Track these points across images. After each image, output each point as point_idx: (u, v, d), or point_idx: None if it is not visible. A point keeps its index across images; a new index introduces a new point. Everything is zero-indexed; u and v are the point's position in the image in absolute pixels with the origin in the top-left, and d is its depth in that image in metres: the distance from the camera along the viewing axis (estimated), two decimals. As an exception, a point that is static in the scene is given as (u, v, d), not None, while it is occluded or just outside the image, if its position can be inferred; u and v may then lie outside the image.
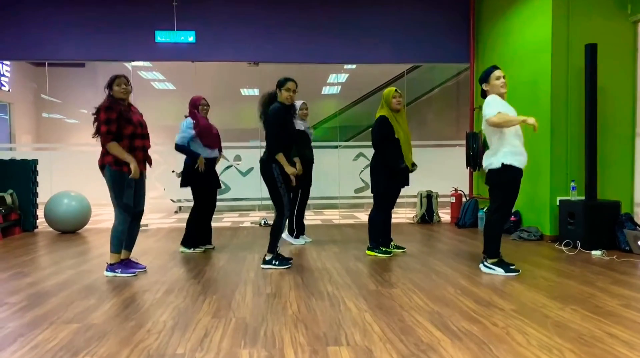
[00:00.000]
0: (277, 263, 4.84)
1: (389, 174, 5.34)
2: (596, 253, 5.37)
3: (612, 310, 3.37)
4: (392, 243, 5.66)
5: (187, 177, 5.68)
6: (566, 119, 6.22)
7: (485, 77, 4.50)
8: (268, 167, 4.78)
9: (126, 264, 4.64)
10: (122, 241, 4.60)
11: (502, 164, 4.38)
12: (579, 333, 2.92)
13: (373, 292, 3.91)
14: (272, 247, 4.88)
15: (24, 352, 2.71)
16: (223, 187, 6.08)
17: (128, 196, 4.52)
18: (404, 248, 5.70)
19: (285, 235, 6.27)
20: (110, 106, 4.40)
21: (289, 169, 4.76)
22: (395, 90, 5.34)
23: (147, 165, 4.75)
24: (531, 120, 4.19)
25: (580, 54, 6.08)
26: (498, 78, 4.44)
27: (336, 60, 8.56)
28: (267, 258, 4.89)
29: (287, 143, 4.85)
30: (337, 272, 4.68)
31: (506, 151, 4.39)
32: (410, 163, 5.38)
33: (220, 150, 5.95)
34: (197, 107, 5.70)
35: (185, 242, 5.75)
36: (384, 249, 5.50)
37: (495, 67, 4.51)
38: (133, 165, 4.41)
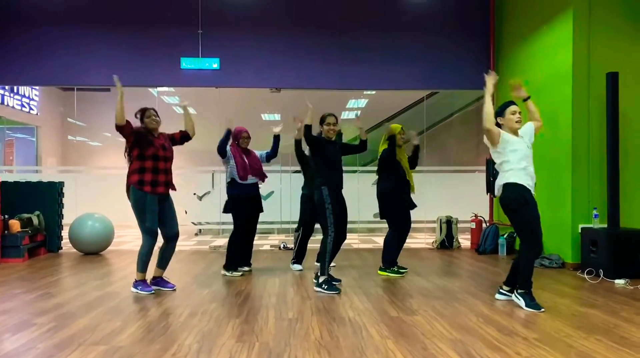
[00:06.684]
0: (325, 287, 4.89)
1: (394, 198, 5.71)
2: (619, 282, 5.31)
3: (638, 341, 3.34)
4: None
5: (230, 204, 5.81)
6: (587, 147, 6.21)
7: (500, 112, 4.56)
8: (318, 191, 5.01)
9: (147, 283, 4.90)
10: (145, 262, 4.86)
11: (504, 183, 4.36)
12: (604, 364, 2.90)
13: (394, 319, 3.93)
14: (323, 270, 4.96)
15: (54, 373, 2.78)
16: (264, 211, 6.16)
17: (151, 221, 4.75)
18: (405, 269, 5.90)
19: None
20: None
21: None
22: (402, 128, 5.81)
23: (171, 189, 4.96)
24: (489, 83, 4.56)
25: (601, 82, 6.09)
26: (513, 113, 4.47)
27: (357, 86, 8.70)
28: (320, 280, 4.95)
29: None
30: (358, 297, 4.69)
31: (509, 172, 4.36)
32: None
33: (260, 178, 5.95)
34: (237, 140, 5.85)
35: (226, 266, 5.84)
36: (395, 269, 5.80)
37: (511, 103, 4.55)
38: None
